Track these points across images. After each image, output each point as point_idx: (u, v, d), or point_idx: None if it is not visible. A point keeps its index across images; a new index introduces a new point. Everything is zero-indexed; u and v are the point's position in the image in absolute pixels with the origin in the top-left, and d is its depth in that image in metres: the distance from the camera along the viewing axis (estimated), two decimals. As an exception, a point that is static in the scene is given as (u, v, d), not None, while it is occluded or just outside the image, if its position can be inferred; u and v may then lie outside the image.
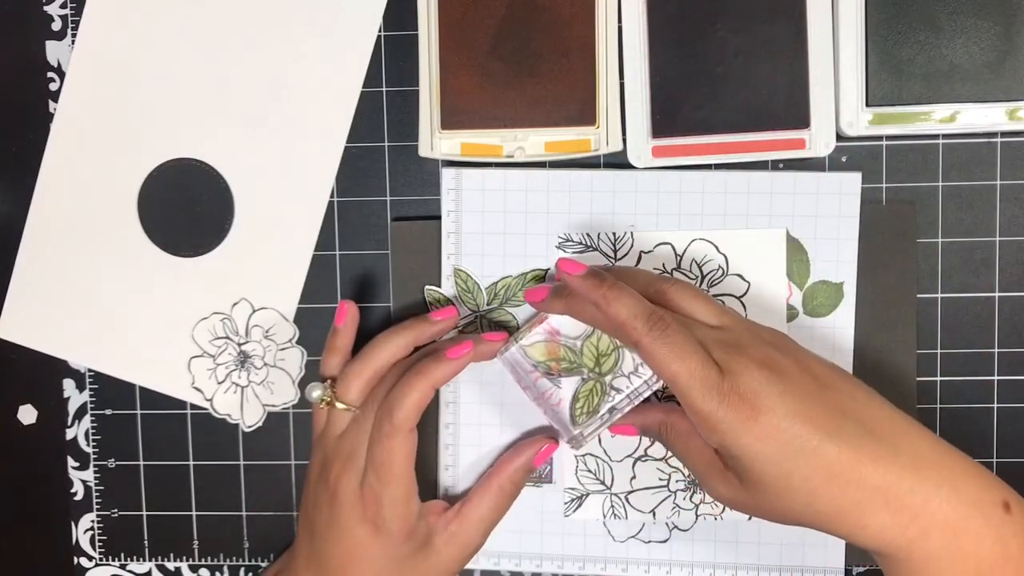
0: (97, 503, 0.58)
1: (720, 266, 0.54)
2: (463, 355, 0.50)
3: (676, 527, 0.55)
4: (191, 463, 0.58)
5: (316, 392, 0.51)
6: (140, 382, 0.57)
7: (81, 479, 0.58)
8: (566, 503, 0.55)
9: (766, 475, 0.43)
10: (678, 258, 0.54)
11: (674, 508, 0.55)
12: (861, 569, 0.55)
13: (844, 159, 0.54)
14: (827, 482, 0.42)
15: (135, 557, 0.58)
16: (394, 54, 0.55)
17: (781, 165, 0.54)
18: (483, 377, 0.55)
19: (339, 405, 0.51)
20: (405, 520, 0.49)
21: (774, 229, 0.54)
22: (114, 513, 0.58)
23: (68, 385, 0.58)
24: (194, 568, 0.58)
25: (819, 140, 0.53)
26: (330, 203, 0.56)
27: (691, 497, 0.55)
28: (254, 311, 0.56)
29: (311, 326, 0.56)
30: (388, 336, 0.52)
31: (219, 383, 0.57)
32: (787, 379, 0.43)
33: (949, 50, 0.52)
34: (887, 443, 0.42)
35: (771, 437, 0.42)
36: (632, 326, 0.45)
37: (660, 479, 0.55)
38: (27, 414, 0.58)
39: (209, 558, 0.58)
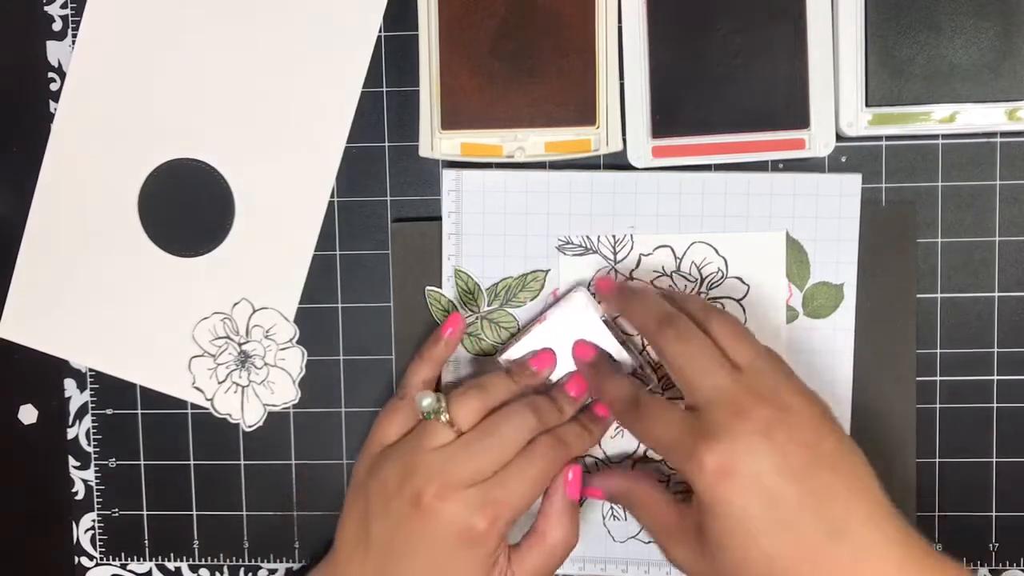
0: (98, 503, 0.58)
1: (720, 269, 0.54)
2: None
3: (676, 527, 0.55)
4: (191, 463, 0.58)
5: (428, 400, 0.49)
6: (141, 382, 0.57)
7: (82, 479, 0.58)
8: (566, 503, 0.55)
9: (727, 539, 0.43)
10: (678, 261, 0.54)
11: (674, 508, 0.55)
12: (861, 569, 0.55)
13: (844, 159, 0.54)
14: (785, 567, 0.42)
15: (135, 557, 0.59)
16: (394, 54, 0.55)
17: (781, 165, 0.54)
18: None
19: (450, 423, 0.48)
20: (494, 553, 0.48)
21: (774, 231, 0.54)
22: (115, 513, 0.58)
23: (69, 385, 0.58)
24: (194, 568, 0.58)
25: (819, 140, 0.53)
26: (330, 203, 0.56)
27: (691, 498, 0.54)
28: (254, 311, 0.56)
29: (311, 326, 0.56)
30: (503, 376, 0.51)
31: (219, 383, 0.57)
32: (778, 453, 0.42)
33: (949, 50, 0.52)
34: (852, 549, 0.42)
35: (742, 504, 0.42)
36: (617, 409, 0.49)
37: (660, 480, 0.55)
38: (28, 414, 0.58)
39: (209, 558, 0.58)
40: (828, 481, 0.43)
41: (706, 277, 0.54)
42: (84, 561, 0.59)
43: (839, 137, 0.53)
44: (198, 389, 0.57)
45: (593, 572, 0.55)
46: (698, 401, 0.45)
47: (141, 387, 0.57)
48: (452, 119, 0.54)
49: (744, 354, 0.46)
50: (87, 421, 0.58)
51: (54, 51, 0.57)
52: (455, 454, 0.47)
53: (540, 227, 0.54)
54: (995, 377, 0.55)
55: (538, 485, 0.49)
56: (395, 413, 0.51)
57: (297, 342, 0.56)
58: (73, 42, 0.56)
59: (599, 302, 0.53)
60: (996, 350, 0.54)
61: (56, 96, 0.56)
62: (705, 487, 0.43)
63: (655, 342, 0.47)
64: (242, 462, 0.58)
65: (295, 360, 0.57)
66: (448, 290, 0.55)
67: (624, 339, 0.53)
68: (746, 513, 0.42)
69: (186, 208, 0.56)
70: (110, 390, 0.58)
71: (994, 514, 0.55)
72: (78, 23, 0.56)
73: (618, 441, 0.55)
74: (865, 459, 0.45)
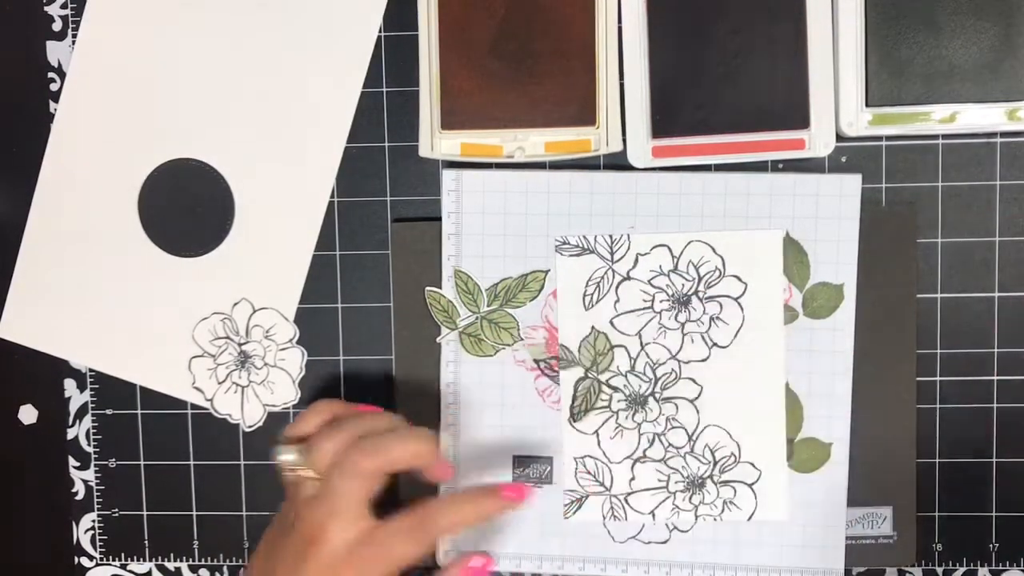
0: (98, 503, 0.58)
1: (717, 267, 0.54)
2: (517, 500, 0.49)
3: (676, 528, 0.55)
4: (191, 463, 0.58)
5: (290, 456, 0.49)
6: (141, 382, 0.57)
7: (82, 479, 0.58)
8: (566, 505, 0.55)
9: None
10: (675, 260, 0.54)
11: (673, 509, 0.55)
12: (861, 570, 0.55)
13: (844, 159, 0.54)
14: None
15: (135, 557, 0.59)
16: (394, 54, 0.55)
17: (781, 165, 0.54)
18: (484, 378, 0.55)
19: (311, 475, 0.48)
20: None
21: (771, 231, 0.54)
22: (115, 513, 0.58)
23: (69, 385, 0.58)
24: (194, 568, 0.58)
25: (819, 140, 0.53)
26: (330, 203, 0.56)
27: (690, 498, 0.55)
28: (254, 311, 0.56)
29: (311, 326, 0.56)
30: (405, 437, 0.48)
31: (219, 383, 0.57)
32: None
33: (949, 50, 0.52)
34: None
35: None
36: None
37: (659, 480, 0.55)
38: (28, 414, 0.59)
39: (209, 558, 0.58)
40: None
41: (703, 276, 0.54)
42: (84, 561, 0.59)
43: (839, 137, 0.53)
44: (198, 389, 0.57)
45: (593, 573, 0.55)
46: None
47: (141, 387, 0.57)
48: (452, 119, 0.54)
49: None
50: (87, 421, 0.58)
51: (54, 51, 0.57)
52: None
53: (540, 227, 0.54)
54: (995, 377, 0.55)
55: (353, 479, 0.47)
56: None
57: (297, 342, 0.56)
58: (73, 42, 0.56)
59: None
60: (996, 350, 0.54)
61: (56, 96, 0.56)
62: None
63: None
64: (242, 462, 0.58)
65: (295, 360, 0.57)
66: (448, 290, 0.55)
67: None
68: None
69: (186, 208, 0.56)
70: (110, 390, 0.58)
71: (994, 514, 0.55)
72: (78, 23, 0.56)
73: (618, 441, 0.55)
74: None
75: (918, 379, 0.54)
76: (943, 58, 0.52)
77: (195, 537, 0.58)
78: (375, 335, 0.56)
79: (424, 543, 0.46)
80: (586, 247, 0.54)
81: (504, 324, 0.55)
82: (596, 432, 0.55)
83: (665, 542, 0.55)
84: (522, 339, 0.55)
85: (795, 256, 0.54)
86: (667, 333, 0.54)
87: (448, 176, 0.55)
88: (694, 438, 0.54)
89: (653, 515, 0.55)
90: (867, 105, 0.52)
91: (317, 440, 0.48)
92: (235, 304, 0.56)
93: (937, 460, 0.55)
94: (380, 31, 0.55)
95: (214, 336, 0.56)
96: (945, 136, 0.54)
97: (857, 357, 0.54)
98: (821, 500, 0.54)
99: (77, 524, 0.59)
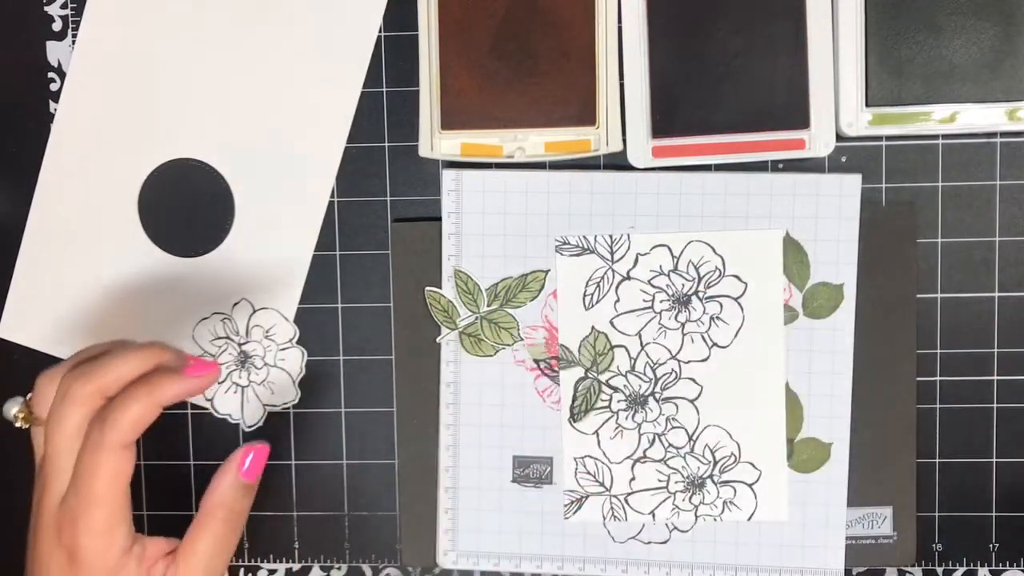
0: (98, 503, 0.58)
1: (717, 267, 0.54)
2: (204, 375, 0.44)
3: (676, 528, 0.55)
4: (191, 463, 0.58)
5: (13, 409, 0.45)
6: (140, 382, 0.57)
7: None
8: (565, 505, 0.55)
9: None
10: (675, 260, 0.54)
11: (673, 509, 0.55)
12: (861, 570, 0.55)
13: (844, 159, 0.54)
14: None
15: (135, 557, 0.58)
16: (394, 54, 0.55)
17: (781, 165, 0.54)
18: (484, 378, 0.55)
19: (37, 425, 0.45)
20: (104, 555, 0.42)
21: (771, 231, 0.54)
22: (114, 513, 0.58)
23: (68, 385, 0.58)
24: (194, 568, 0.58)
25: (819, 140, 0.53)
26: (330, 203, 0.56)
27: (690, 498, 0.55)
28: (254, 311, 0.56)
29: (311, 326, 0.56)
30: (123, 354, 0.44)
31: (219, 383, 0.57)
32: None
33: (949, 50, 0.52)
34: None
35: None
36: None
37: (659, 480, 0.55)
38: (28, 414, 0.58)
39: (209, 558, 0.58)
40: None
41: (703, 276, 0.54)
42: (84, 561, 0.59)
43: (839, 137, 0.53)
44: (198, 389, 0.57)
45: (593, 573, 0.55)
46: None
47: (141, 387, 0.57)
48: (452, 119, 0.54)
49: None
50: (87, 421, 0.58)
51: (54, 51, 0.57)
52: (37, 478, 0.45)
53: (540, 227, 0.54)
54: (995, 377, 0.55)
55: (92, 471, 0.42)
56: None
57: (297, 342, 0.56)
58: (73, 42, 0.56)
59: None
60: (996, 350, 0.54)
61: (56, 96, 0.56)
62: None
63: None
64: (242, 462, 0.57)
65: (295, 360, 0.57)
66: (448, 290, 0.55)
67: None
68: None
69: (186, 208, 0.56)
70: (110, 390, 0.58)
71: (994, 514, 0.55)
72: (78, 23, 0.56)
73: (617, 441, 0.55)
74: None
75: (918, 379, 0.54)
76: (943, 58, 0.52)
77: (195, 537, 0.58)
78: (375, 335, 0.56)
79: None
80: (586, 247, 0.54)
81: (504, 324, 0.55)
82: (596, 432, 0.55)
83: (665, 542, 0.55)
84: (522, 339, 0.55)
85: (795, 256, 0.54)
86: (667, 333, 0.54)
87: (448, 176, 0.55)
88: (694, 438, 0.54)
89: (653, 515, 0.55)
90: (867, 105, 0.52)
91: (37, 384, 0.45)
92: (235, 304, 0.56)
93: (937, 460, 0.55)
94: (380, 31, 0.55)
95: (214, 336, 0.56)
96: (945, 136, 0.54)
97: (857, 357, 0.54)
98: (821, 500, 0.54)
99: (77, 524, 0.59)
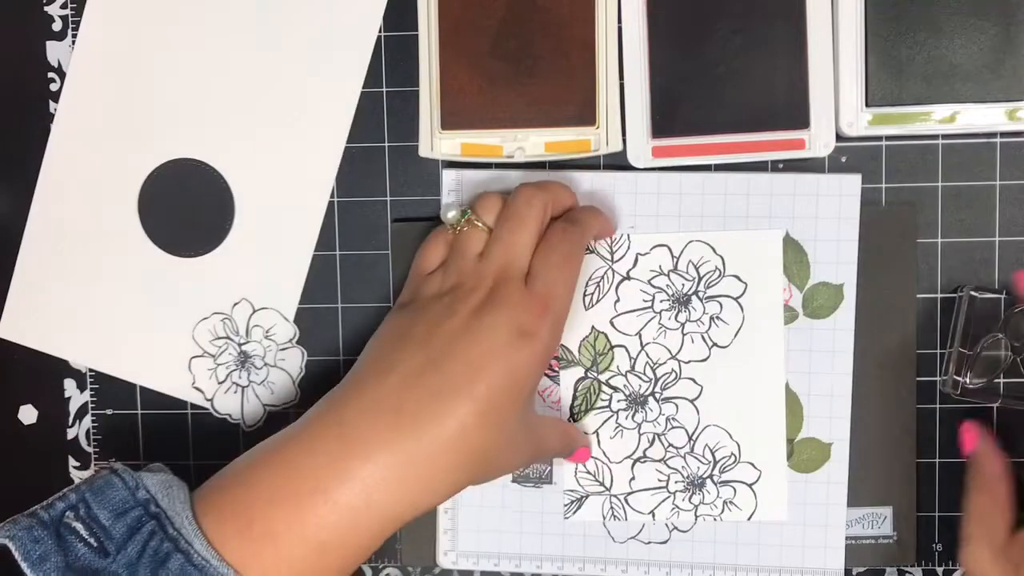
0: (98, 503, 0.58)
1: (717, 267, 0.54)
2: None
3: (676, 528, 0.55)
4: (191, 463, 0.58)
5: (452, 213, 0.50)
6: (141, 382, 0.57)
7: (82, 479, 0.58)
8: (566, 505, 0.55)
9: None
10: (675, 260, 0.54)
11: (673, 509, 0.55)
12: (861, 570, 0.55)
13: (844, 159, 0.54)
14: None
15: (135, 557, 0.58)
16: (394, 54, 0.55)
17: (781, 165, 0.54)
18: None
19: (480, 225, 0.49)
20: (549, 351, 0.47)
21: (771, 231, 0.54)
22: (115, 513, 0.58)
23: (69, 385, 0.58)
24: (194, 568, 0.58)
25: (819, 140, 0.53)
26: (330, 203, 0.56)
27: (690, 498, 0.55)
28: (254, 311, 0.56)
29: (311, 326, 0.56)
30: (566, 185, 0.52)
31: (219, 383, 0.57)
32: None
33: (949, 50, 0.52)
34: None
35: None
36: None
37: (659, 480, 0.55)
38: (28, 414, 0.58)
39: (209, 558, 0.58)
40: None
41: (703, 276, 0.54)
42: (84, 561, 0.59)
43: (839, 137, 0.53)
44: (198, 389, 0.57)
45: (593, 573, 0.55)
46: None
47: (141, 387, 0.57)
48: (452, 119, 0.54)
49: None
50: (87, 421, 0.58)
51: (54, 51, 0.57)
52: (489, 250, 0.48)
53: (540, 227, 0.54)
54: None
55: (565, 269, 0.48)
56: (431, 241, 0.52)
57: (297, 342, 0.56)
58: (73, 42, 0.56)
59: None
60: (996, 350, 0.54)
61: (56, 96, 0.56)
62: None
63: None
64: (242, 462, 0.57)
65: (295, 360, 0.57)
66: (448, 290, 0.55)
67: None
68: None
69: (186, 208, 0.56)
70: (110, 390, 0.58)
71: (994, 514, 0.55)
72: (78, 23, 0.56)
73: (617, 441, 0.55)
74: None
75: (918, 379, 0.54)
76: (943, 58, 0.52)
77: (195, 537, 0.58)
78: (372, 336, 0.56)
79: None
80: (586, 248, 0.54)
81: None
82: (596, 432, 0.55)
83: (665, 542, 0.55)
84: (522, 339, 0.55)
85: (795, 256, 0.54)
86: (667, 333, 0.54)
87: (448, 176, 0.55)
88: (694, 438, 0.54)
89: (653, 515, 0.55)
90: (867, 105, 0.52)
91: (481, 198, 0.50)
92: (235, 304, 0.56)
93: (937, 460, 0.55)
94: (380, 31, 0.55)
95: (214, 336, 0.56)
96: (945, 136, 0.54)
97: (857, 357, 0.54)
98: (821, 500, 0.54)
99: (77, 524, 0.59)
